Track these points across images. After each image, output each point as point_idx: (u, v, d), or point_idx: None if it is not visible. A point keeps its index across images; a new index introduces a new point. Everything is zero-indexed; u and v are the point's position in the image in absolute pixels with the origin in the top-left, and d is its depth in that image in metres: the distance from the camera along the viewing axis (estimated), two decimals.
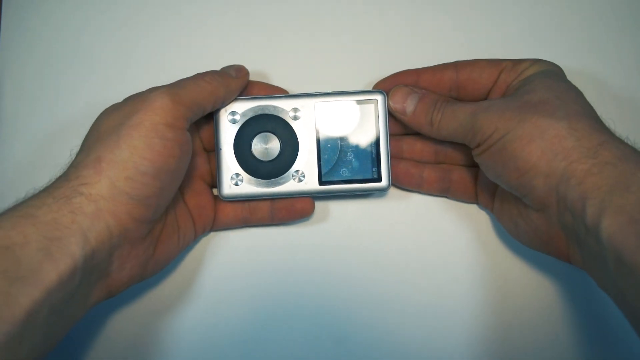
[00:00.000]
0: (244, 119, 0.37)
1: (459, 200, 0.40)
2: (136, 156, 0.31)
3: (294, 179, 0.37)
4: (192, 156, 0.35)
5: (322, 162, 0.37)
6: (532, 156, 0.31)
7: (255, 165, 0.37)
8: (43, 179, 0.39)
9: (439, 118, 0.36)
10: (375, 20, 0.42)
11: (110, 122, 0.32)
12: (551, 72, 0.35)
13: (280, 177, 0.37)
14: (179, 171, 0.34)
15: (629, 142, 0.31)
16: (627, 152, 0.30)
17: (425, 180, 0.39)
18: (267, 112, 0.37)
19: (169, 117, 0.32)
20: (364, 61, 0.42)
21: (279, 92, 0.39)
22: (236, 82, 0.37)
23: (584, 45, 0.42)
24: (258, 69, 0.41)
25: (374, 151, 0.37)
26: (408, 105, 0.37)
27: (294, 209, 0.38)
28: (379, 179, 0.37)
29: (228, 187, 0.37)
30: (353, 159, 0.37)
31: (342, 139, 0.38)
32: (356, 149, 0.37)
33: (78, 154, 0.32)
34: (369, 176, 0.37)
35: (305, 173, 0.37)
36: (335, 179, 0.38)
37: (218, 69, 0.38)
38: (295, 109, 0.37)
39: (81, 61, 0.42)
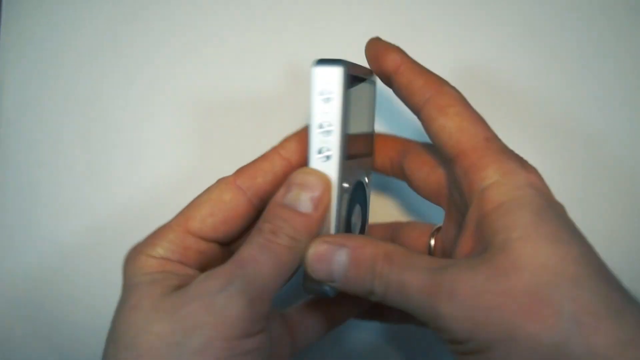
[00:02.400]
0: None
1: None
2: None
3: None
4: None
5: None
6: None
7: None
8: (43, 178, 0.40)
9: (381, 289, 0.24)
10: None
11: (155, 338, 0.23)
12: (534, 213, 0.23)
13: None
14: None
15: None
16: None
17: None
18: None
19: (248, 326, 0.23)
20: None
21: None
22: (319, 220, 0.25)
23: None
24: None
25: None
26: (335, 268, 0.24)
27: None
28: None
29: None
30: None
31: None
32: None
33: None
34: None
35: None
36: None
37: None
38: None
39: (81, 61, 0.42)
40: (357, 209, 0.28)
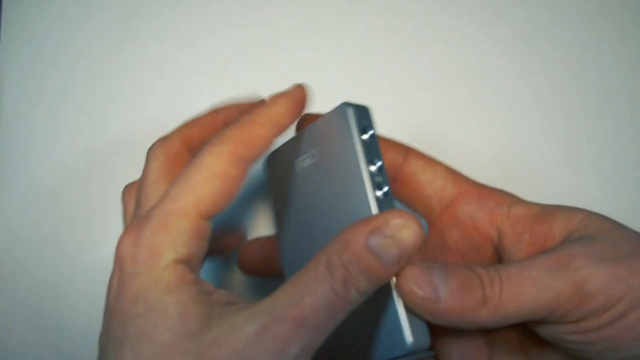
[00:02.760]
0: None
1: None
2: None
3: None
4: None
5: None
6: None
7: None
8: (43, 179, 0.40)
9: (497, 291, 0.21)
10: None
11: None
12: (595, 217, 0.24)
13: None
14: None
15: None
16: None
17: None
18: None
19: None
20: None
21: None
22: (393, 274, 0.22)
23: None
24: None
25: None
26: (439, 286, 0.21)
27: None
28: None
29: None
30: None
31: None
32: None
33: None
34: None
35: None
36: None
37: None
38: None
39: (81, 60, 0.42)
40: None
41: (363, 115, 0.25)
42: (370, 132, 0.25)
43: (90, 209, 0.40)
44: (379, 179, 0.24)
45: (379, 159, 0.24)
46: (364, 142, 0.24)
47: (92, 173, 0.40)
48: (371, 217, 0.21)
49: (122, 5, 0.43)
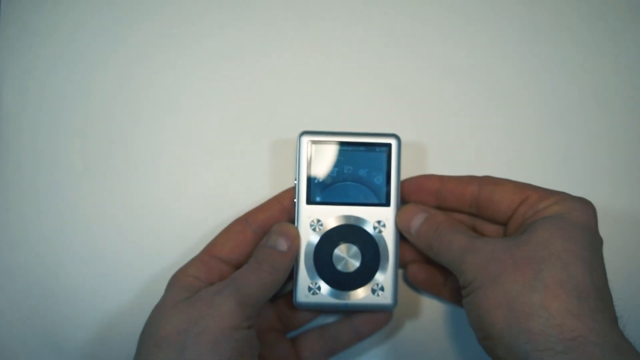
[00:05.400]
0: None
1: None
2: None
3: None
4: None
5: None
6: (495, 324, 0.29)
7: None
8: (43, 178, 0.40)
9: (437, 244, 0.34)
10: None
11: (171, 327, 0.31)
12: (568, 218, 0.31)
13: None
14: None
15: (621, 330, 0.28)
16: (606, 355, 0.27)
17: None
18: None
19: (236, 320, 0.31)
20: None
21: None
22: (291, 256, 0.35)
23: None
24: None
25: None
26: (413, 225, 0.35)
27: (378, 320, 0.38)
28: None
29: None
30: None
31: None
32: None
33: None
34: None
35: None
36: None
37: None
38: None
39: (81, 60, 0.42)
40: (350, 248, 0.37)
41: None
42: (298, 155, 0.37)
43: (89, 208, 0.40)
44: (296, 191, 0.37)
45: (296, 178, 0.37)
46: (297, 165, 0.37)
47: (91, 173, 0.40)
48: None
49: (122, 5, 0.43)
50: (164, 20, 0.42)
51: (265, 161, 0.40)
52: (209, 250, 0.36)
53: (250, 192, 0.40)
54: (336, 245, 0.36)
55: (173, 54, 0.42)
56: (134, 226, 0.40)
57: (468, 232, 0.34)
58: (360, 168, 0.36)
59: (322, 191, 0.36)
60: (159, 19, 0.42)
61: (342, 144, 0.36)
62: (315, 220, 0.36)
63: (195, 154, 0.41)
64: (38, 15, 0.43)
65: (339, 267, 0.36)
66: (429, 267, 0.38)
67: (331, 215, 0.36)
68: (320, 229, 0.36)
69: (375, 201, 0.36)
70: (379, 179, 0.36)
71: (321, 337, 0.38)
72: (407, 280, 0.39)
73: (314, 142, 0.36)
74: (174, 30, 0.42)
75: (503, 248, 0.31)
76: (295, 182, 0.36)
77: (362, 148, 0.36)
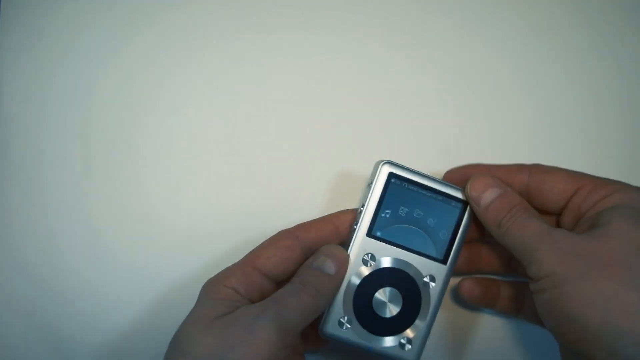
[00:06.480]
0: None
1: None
2: None
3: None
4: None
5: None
6: (591, 324, 0.27)
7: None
8: (43, 178, 0.40)
9: (508, 224, 0.32)
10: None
11: (206, 349, 0.29)
12: (635, 211, 0.30)
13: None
14: None
15: None
16: None
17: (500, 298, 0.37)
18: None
19: (274, 350, 0.29)
20: None
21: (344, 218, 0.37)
22: (338, 281, 0.33)
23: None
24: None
25: None
26: (485, 197, 0.33)
27: None
28: None
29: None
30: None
31: None
32: None
33: None
34: None
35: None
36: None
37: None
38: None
39: (83, 61, 0.42)
40: (394, 293, 0.35)
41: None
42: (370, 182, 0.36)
43: (89, 208, 0.40)
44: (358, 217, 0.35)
45: (363, 205, 0.35)
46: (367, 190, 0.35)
47: (91, 173, 0.40)
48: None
49: (122, 5, 0.43)
50: (167, 21, 0.42)
51: (274, 166, 0.40)
52: (252, 262, 0.33)
53: (251, 193, 0.40)
54: (381, 286, 0.35)
55: (176, 55, 0.42)
56: (135, 226, 0.40)
57: (543, 220, 0.32)
58: (430, 217, 0.35)
59: (385, 227, 0.35)
60: (161, 20, 0.42)
61: (421, 185, 0.35)
62: (369, 254, 0.35)
63: (196, 155, 0.41)
64: (38, 16, 0.43)
65: (377, 309, 0.35)
66: (482, 280, 0.37)
67: (386, 255, 0.35)
68: (371, 265, 0.34)
69: (434, 255, 0.35)
70: (444, 234, 0.35)
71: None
72: (456, 298, 0.38)
73: (393, 174, 0.35)
74: (178, 32, 0.42)
75: (583, 242, 0.29)
76: (362, 209, 0.34)
77: (439, 197, 0.35)
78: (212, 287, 0.32)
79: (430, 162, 0.40)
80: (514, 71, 0.41)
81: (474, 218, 0.35)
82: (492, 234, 0.33)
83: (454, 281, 0.38)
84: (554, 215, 0.34)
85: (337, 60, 0.42)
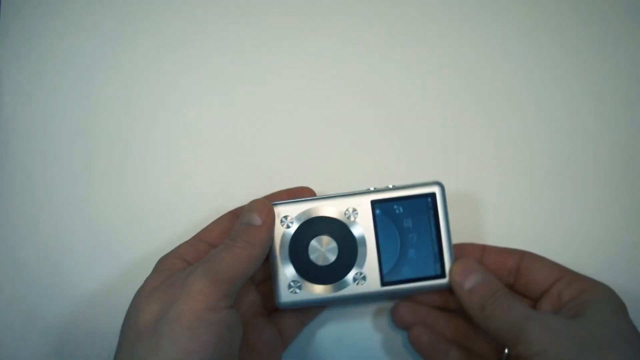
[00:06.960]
0: (298, 224, 0.35)
1: None
2: (182, 353, 0.28)
3: (354, 283, 0.35)
4: (243, 294, 0.35)
5: (382, 263, 0.36)
6: None
7: (313, 270, 0.35)
8: (43, 178, 0.40)
9: (492, 307, 0.33)
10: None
11: (148, 315, 0.30)
12: (614, 305, 0.33)
13: (340, 281, 0.36)
14: (233, 349, 0.31)
15: None
16: None
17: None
18: (321, 214, 0.36)
19: (211, 300, 0.30)
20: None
21: (308, 193, 0.38)
22: (266, 229, 0.34)
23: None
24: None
25: (435, 246, 0.36)
26: (468, 282, 0.35)
27: None
28: (442, 275, 0.36)
29: (286, 295, 0.35)
30: (414, 256, 0.36)
31: (401, 236, 0.36)
32: (416, 245, 0.36)
33: (118, 353, 0.31)
34: (431, 273, 0.36)
35: (366, 275, 0.35)
36: (397, 278, 0.36)
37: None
38: (352, 209, 0.36)
39: (80, 61, 0.42)
40: (323, 238, 0.36)
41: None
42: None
43: (90, 208, 0.40)
44: None
45: None
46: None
47: (91, 173, 0.40)
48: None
49: (122, 6, 0.43)
50: (167, 21, 0.42)
51: (274, 166, 0.41)
52: (198, 235, 0.36)
53: (251, 193, 0.40)
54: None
55: (176, 55, 0.42)
56: (134, 224, 0.40)
57: (525, 304, 0.34)
58: None
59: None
60: (161, 21, 0.42)
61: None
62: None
63: (197, 155, 0.41)
64: (39, 16, 0.43)
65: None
66: (434, 333, 0.37)
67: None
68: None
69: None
70: None
71: (294, 311, 0.37)
72: (406, 345, 0.38)
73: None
74: (179, 32, 0.42)
75: (573, 326, 0.31)
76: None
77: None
78: (162, 260, 0.34)
79: (430, 162, 0.40)
80: (514, 71, 0.41)
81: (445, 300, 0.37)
82: (474, 316, 0.34)
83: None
84: (532, 301, 0.36)
85: (337, 61, 0.42)
